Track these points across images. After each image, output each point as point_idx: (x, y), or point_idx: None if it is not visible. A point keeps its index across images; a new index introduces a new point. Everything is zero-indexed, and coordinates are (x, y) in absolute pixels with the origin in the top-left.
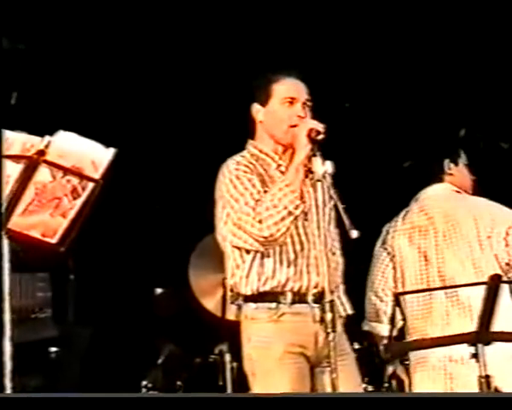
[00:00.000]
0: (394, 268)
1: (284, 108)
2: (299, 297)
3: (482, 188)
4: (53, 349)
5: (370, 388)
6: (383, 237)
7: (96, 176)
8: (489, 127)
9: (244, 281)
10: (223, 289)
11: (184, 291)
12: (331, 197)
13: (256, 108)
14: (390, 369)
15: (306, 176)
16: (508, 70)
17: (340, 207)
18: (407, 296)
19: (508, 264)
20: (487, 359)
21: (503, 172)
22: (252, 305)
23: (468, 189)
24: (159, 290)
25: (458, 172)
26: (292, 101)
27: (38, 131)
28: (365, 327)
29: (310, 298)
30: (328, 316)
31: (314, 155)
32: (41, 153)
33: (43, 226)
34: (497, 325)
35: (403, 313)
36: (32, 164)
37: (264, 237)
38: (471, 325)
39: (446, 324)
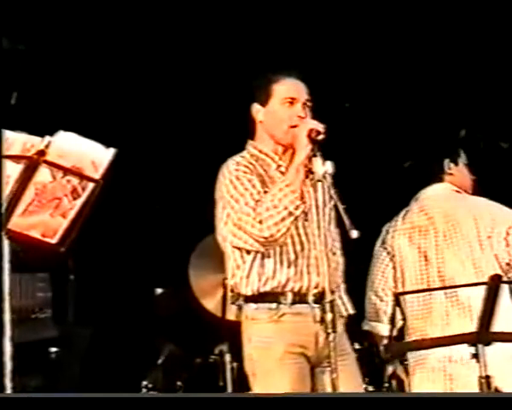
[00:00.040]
0: (394, 268)
1: (284, 109)
2: (300, 297)
3: (482, 188)
4: (53, 349)
5: (370, 388)
6: (383, 236)
7: (96, 176)
8: (489, 127)
9: (244, 281)
10: (223, 289)
11: (184, 291)
12: (331, 197)
13: (256, 108)
14: (390, 369)
15: (307, 176)
16: (508, 70)
17: (341, 207)
18: (407, 296)
19: (508, 264)
20: (487, 359)
21: (503, 172)
22: (252, 305)
23: (468, 188)
24: (159, 290)
25: (458, 171)
26: (292, 101)
27: (38, 131)
28: (365, 327)
29: (310, 298)
30: (329, 316)
31: (314, 156)
32: (41, 153)
33: (43, 227)
34: (498, 326)
35: (403, 313)
36: (32, 164)
37: (265, 238)
38: (471, 326)
39: (446, 324)
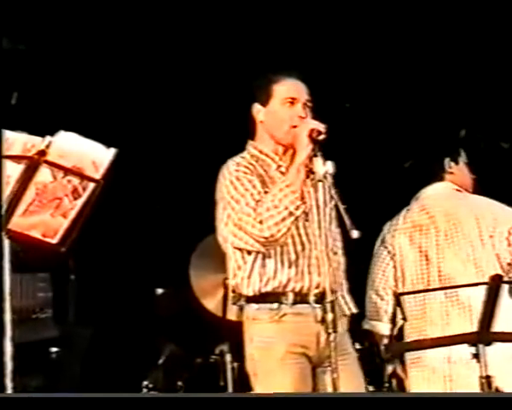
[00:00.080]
0: (395, 267)
1: (285, 109)
2: (301, 298)
3: (483, 188)
4: (54, 350)
5: (371, 388)
6: (384, 235)
7: (97, 176)
8: (489, 127)
9: (246, 282)
10: (223, 289)
11: (185, 291)
12: (332, 197)
13: (257, 109)
14: (390, 368)
15: (307, 176)
16: (508, 70)
17: (341, 207)
18: (407, 296)
19: (509, 264)
20: (488, 359)
21: (504, 172)
22: (254, 305)
23: (469, 188)
24: (159, 291)
25: (459, 170)
26: (292, 101)
27: (39, 131)
28: (365, 326)
29: (311, 298)
30: (329, 316)
31: (315, 156)
32: (42, 153)
33: (44, 227)
34: (498, 326)
35: (403, 313)
36: (32, 164)
37: (265, 238)
38: (471, 326)
39: (446, 324)
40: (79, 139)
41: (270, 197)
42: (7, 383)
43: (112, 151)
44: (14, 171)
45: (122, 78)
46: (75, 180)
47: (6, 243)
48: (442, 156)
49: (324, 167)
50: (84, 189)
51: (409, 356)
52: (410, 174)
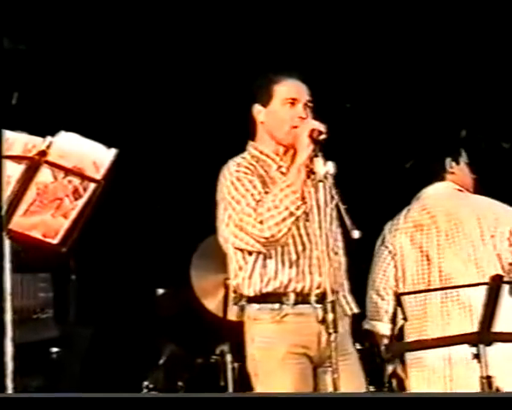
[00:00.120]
0: (395, 267)
1: (285, 109)
2: (302, 298)
3: (483, 188)
4: (54, 350)
5: (371, 388)
6: (384, 235)
7: (98, 176)
8: (490, 127)
9: (247, 282)
10: (224, 289)
11: (186, 292)
12: (333, 198)
13: (257, 109)
14: (390, 368)
15: (308, 176)
16: (508, 70)
17: (342, 207)
18: (407, 296)
19: (511, 264)
20: (488, 359)
21: (505, 172)
22: (255, 306)
23: (470, 187)
24: (160, 291)
25: (460, 170)
26: (293, 102)
27: (40, 131)
28: (366, 326)
29: (312, 299)
30: (330, 316)
31: (316, 156)
32: (42, 153)
33: (45, 227)
34: (499, 326)
35: (403, 313)
36: (33, 165)
37: (266, 238)
38: (472, 326)
39: (447, 324)
40: (80, 140)
41: (270, 197)
42: (8, 383)
43: (112, 151)
44: (14, 171)
45: (123, 78)
46: (76, 180)
47: (7, 243)
48: (443, 156)
49: (325, 168)
50: (85, 189)
51: (409, 356)
52: (411, 174)
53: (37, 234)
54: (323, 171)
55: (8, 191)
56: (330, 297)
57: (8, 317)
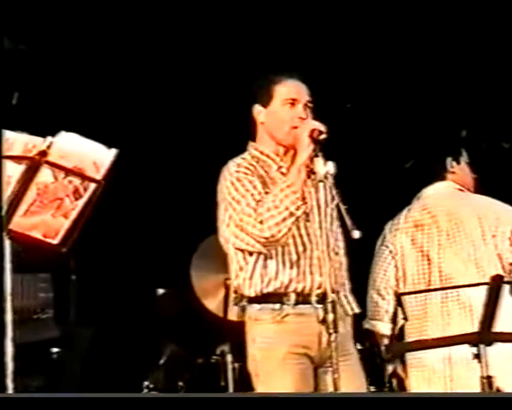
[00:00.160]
0: (396, 267)
1: (286, 110)
2: (303, 298)
3: (484, 188)
4: (55, 350)
5: (372, 388)
6: (385, 234)
7: (98, 177)
8: (490, 127)
9: (247, 283)
10: (224, 289)
11: (186, 292)
12: (333, 198)
13: (257, 110)
14: (390, 368)
15: (308, 177)
16: (508, 70)
17: (342, 207)
18: (408, 295)
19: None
20: (489, 359)
21: (505, 172)
22: (256, 306)
23: (471, 187)
24: (161, 291)
25: (460, 170)
26: (293, 102)
27: (40, 131)
28: (366, 325)
29: (313, 299)
30: (330, 317)
31: (316, 156)
32: (43, 154)
33: (45, 227)
34: (499, 326)
35: (404, 313)
36: (33, 165)
37: (266, 238)
38: (472, 326)
39: (447, 324)
40: (80, 140)
41: (270, 197)
42: (8, 383)
43: (113, 152)
44: (14, 171)
45: (123, 78)
46: (76, 181)
47: (7, 243)
48: (444, 156)
49: (325, 168)
50: (85, 189)
51: (409, 356)
52: (412, 174)
53: (37, 234)
54: (324, 171)
55: (8, 191)
56: (331, 297)
57: (9, 317)
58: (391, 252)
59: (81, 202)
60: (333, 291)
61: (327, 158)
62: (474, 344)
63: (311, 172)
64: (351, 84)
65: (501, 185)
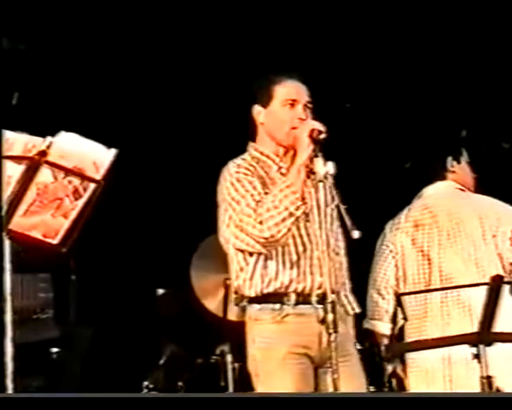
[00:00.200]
0: (396, 266)
1: (285, 110)
2: (303, 298)
3: (484, 188)
4: (54, 350)
5: (372, 388)
6: (385, 234)
7: (98, 177)
8: (490, 127)
9: (248, 283)
10: (224, 289)
11: (186, 292)
12: (333, 198)
13: (257, 110)
14: (390, 368)
15: (308, 177)
16: (508, 70)
17: (342, 207)
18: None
19: None
20: (488, 359)
21: (505, 172)
22: (256, 306)
23: (471, 187)
24: (160, 291)
25: (461, 169)
26: (293, 103)
27: (40, 131)
28: (366, 325)
29: (313, 299)
30: (330, 317)
31: (316, 156)
32: (42, 154)
33: (45, 227)
34: (499, 326)
35: (404, 312)
36: (33, 165)
37: (265, 238)
38: (471, 326)
39: (447, 324)
40: (80, 140)
41: (270, 198)
42: (8, 383)
43: (112, 152)
44: (14, 171)
45: (123, 78)
46: (76, 181)
47: (7, 243)
48: (444, 155)
49: (325, 168)
50: (85, 189)
51: (409, 356)
52: (412, 173)
53: (37, 234)
54: (323, 171)
55: (8, 191)
56: (330, 297)
57: (9, 317)
58: (391, 251)
59: (81, 202)
60: (333, 292)
61: (326, 158)
62: (474, 344)
63: (310, 173)
64: (350, 85)
65: (501, 185)
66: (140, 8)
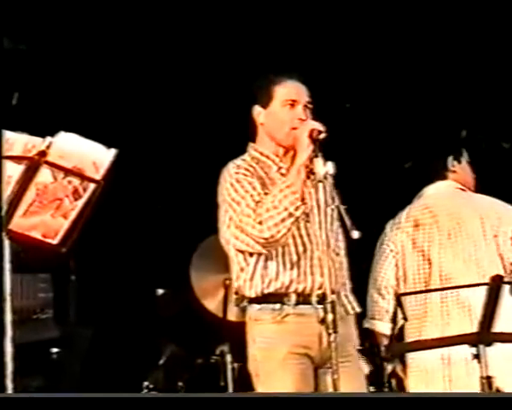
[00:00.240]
0: (397, 266)
1: (285, 111)
2: (303, 298)
3: (484, 188)
4: (54, 350)
5: (371, 388)
6: (386, 233)
7: (98, 177)
8: (490, 127)
9: (248, 284)
10: (224, 289)
11: (186, 292)
12: (333, 198)
13: (257, 111)
14: (389, 368)
15: (308, 177)
16: (508, 70)
17: (342, 207)
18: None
19: None
20: (488, 360)
21: (505, 172)
22: (256, 306)
23: (472, 187)
24: (160, 291)
25: (461, 169)
26: (293, 103)
27: (40, 131)
28: (366, 324)
29: (314, 299)
30: (330, 317)
31: (316, 156)
32: (42, 154)
33: (44, 227)
34: (499, 326)
35: (404, 312)
36: (33, 165)
37: (265, 239)
38: (471, 326)
39: (447, 324)
40: (80, 140)
41: (270, 198)
42: (8, 383)
43: (112, 152)
44: (14, 171)
45: (123, 78)
46: (75, 181)
47: (6, 243)
48: (445, 155)
49: (325, 168)
50: (85, 189)
51: (409, 356)
52: (413, 173)
53: (36, 234)
54: (323, 171)
55: (8, 191)
56: (330, 297)
57: (8, 317)
58: (392, 251)
59: (80, 203)
60: (333, 292)
61: (326, 158)
62: (474, 344)
63: (310, 173)
64: (350, 85)
65: (501, 185)
66: (140, 9)
